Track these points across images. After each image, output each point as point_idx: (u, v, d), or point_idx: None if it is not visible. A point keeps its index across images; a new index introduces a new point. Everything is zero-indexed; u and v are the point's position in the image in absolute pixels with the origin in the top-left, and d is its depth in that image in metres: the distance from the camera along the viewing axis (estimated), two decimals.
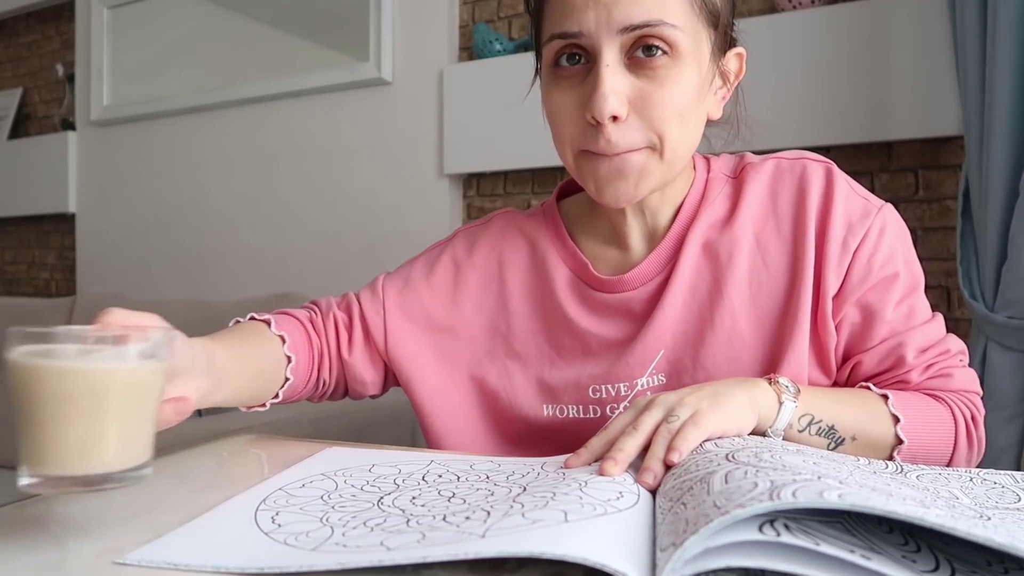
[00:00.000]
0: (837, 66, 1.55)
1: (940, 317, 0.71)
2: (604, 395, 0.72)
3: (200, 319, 2.06)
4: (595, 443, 0.55)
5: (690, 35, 0.61)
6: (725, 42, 0.67)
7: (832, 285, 0.67)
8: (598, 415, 0.73)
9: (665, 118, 0.62)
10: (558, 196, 0.81)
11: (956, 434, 0.67)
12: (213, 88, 2.42)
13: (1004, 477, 0.53)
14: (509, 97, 1.91)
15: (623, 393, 0.72)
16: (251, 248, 2.38)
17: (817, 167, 0.69)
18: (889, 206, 0.69)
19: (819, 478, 0.40)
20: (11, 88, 3.05)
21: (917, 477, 0.53)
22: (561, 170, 1.93)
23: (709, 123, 0.69)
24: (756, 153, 0.76)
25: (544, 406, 0.74)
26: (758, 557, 0.34)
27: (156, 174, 2.58)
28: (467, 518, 0.43)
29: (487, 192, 2.05)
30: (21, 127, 3.00)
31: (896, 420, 0.63)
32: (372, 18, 2.10)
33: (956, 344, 0.70)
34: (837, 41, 1.55)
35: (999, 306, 1.28)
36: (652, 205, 0.71)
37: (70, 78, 2.80)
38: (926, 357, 0.68)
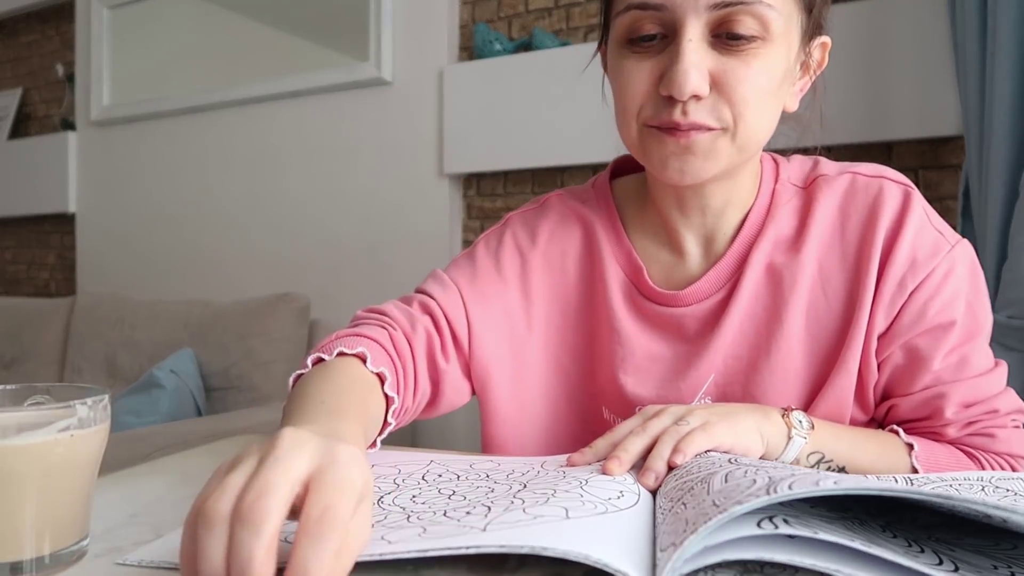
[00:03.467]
0: (837, 66, 1.55)
1: (1002, 370, 0.63)
2: None
3: (200, 319, 2.06)
4: (600, 443, 0.55)
5: (784, 16, 0.56)
6: (814, 28, 0.62)
7: (880, 323, 0.61)
8: None
9: (747, 99, 0.56)
10: (611, 174, 0.75)
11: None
12: (213, 88, 2.42)
13: (1018, 483, 0.52)
14: (509, 97, 1.92)
15: None
16: (251, 248, 2.38)
17: (895, 189, 0.63)
18: (965, 244, 0.62)
19: (818, 482, 0.40)
20: (11, 88, 3.05)
21: (932, 488, 0.53)
22: (561, 170, 1.93)
23: (784, 116, 0.64)
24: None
25: (603, 408, 0.71)
26: (756, 549, 0.34)
27: (156, 174, 2.58)
28: (467, 513, 0.43)
29: (487, 192, 2.05)
30: (21, 127, 3.01)
31: (915, 472, 0.59)
32: (372, 18, 2.10)
33: (1011, 403, 0.63)
34: (837, 41, 1.55)
35: (999, 306, 1.28)
36: (715, 206, 0.66)
37: (70, 78, 2.80)
38: (969, 414, 0.61)
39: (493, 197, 2.04)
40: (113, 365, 2.16)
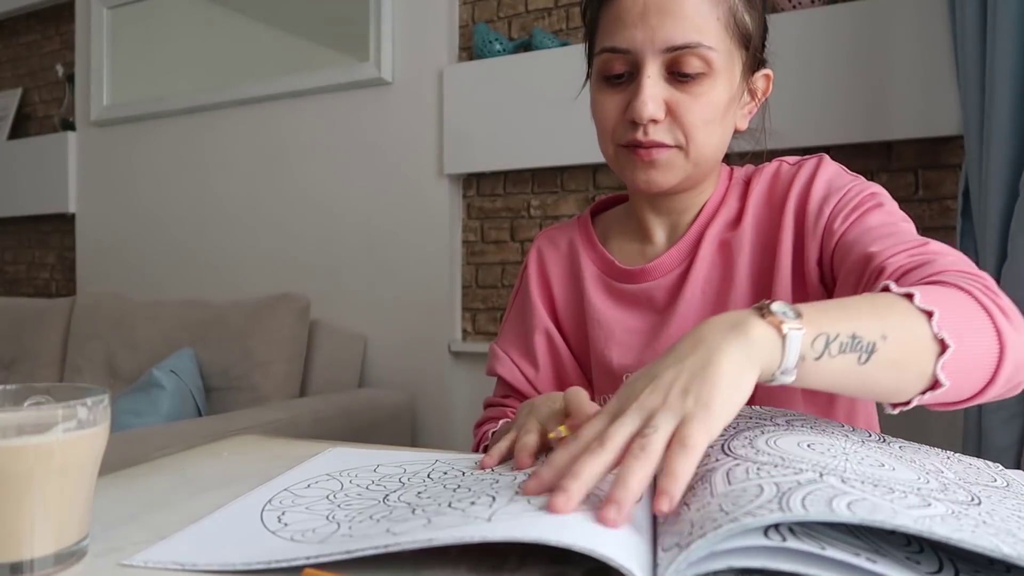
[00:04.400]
0: (837, 66, 1.55)
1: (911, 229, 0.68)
2: None
3: (200, 319, 2.06)
4: (559, 458, 0.44)
5: (723, 55, 0.71)
6: (755, 63, 0.76)
7: (812, 251, 0.72)
8: None
9: (695, 124, 0.71)
10: (592, 213, 0.92)
11: (987, 311, 0.54)
12: (213, 88, 2.42)
13: (977, 460, 0.54)
14: (509, 97, 1.92)
15: None
16: (251, 248, 2.38)
17: (811, 158, 0.78)
18: (878, 186, 0.74)
19: (821, 475, 0.40)
20: (11, 88, 3.05)
21: (900, 447, 0.54)
22: (561, 170, 1.93)
23: (737, 133, 0.78)
24: (756, 153, 0.83)
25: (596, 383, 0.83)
26: (761, 558, 0.34)
27: (156, 174, 2.58)
28: (472, 503, 0.43)
29: (487, 192, 2.05)
30: (21, 127, 3.00)
31: (910, 296, 0.52)
32: (372, 18, 2.10)
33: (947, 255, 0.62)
34: (837, 41, 1.55)
35: None
36: (679, 207, 0.81)
37: (70, 78, 2.80)
38: (902, 246, 0.63)
39: (493, 197, 2.04)
40: (113, 365, 2.16)
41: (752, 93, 0.78)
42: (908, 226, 0.69)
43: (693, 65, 0.69)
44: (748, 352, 0.46)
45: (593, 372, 0.84)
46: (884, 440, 0.55)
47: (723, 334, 0.47)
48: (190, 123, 2.50)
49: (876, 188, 0.73)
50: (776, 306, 0.49)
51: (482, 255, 2.06)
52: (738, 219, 0.79)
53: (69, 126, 2.78)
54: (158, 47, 2.57)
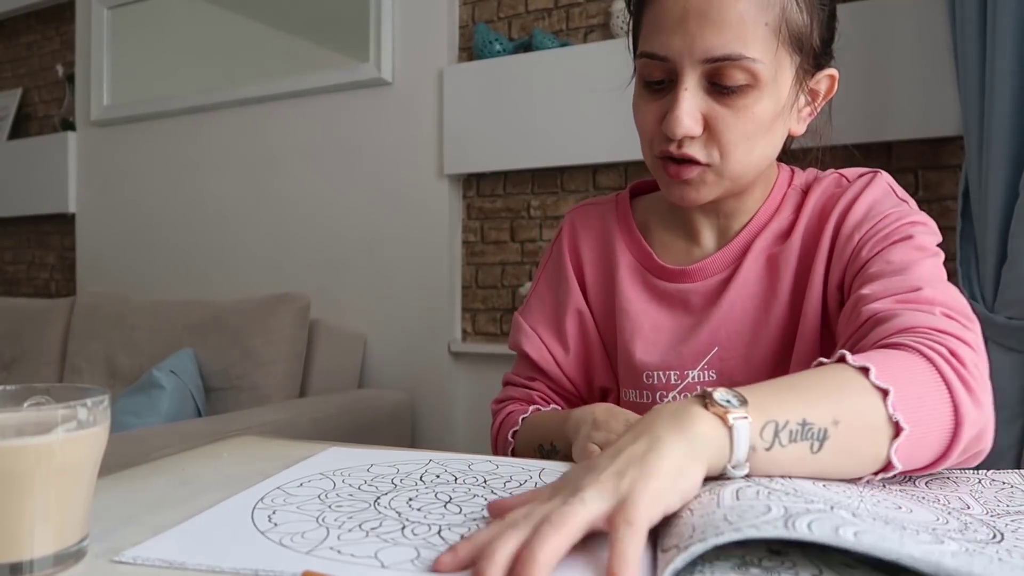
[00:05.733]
0: (837, 66, 1.55)
1: (934, 260, 0.66)
2: (656, 381, 0.77)
3: (200, 319, 2.06)
4: (478, 538, 0.39)
5: (770, 65, 0.65)
6: (814, 63, 0.72)
7: (835, 274, 0.70)
8: (650, 401, 0.77)
9: (733, 141, 0.66)
10: (632, 192, 0.87)
11: (946, 383, 0.51)
12: (213, 88, 2.42)
13: (1012, 476, 0.53)
14: (509, 97, 1.92)
15: (674, 382, 0.76)
16: (251, 248, 2.38)
17: (867, 173, 0.74)
18: (924, 216, 0.70)
19: (832, 508, 0.40)
20: (11, 88, 3.05)
21: (926, 484, 0.53)
22: (561, 170, 1.93)
23: (792, 137, 0.74)
24: (806, 149, 0.81)
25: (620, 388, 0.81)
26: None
27: (156, 174, 2.58)
28: (461, 536, 0.42)
29: (487, 192, 2.05)
30: (21, 127, 3.00)
31: (865, 371, 0.49)
32: (372, 18, 2.10)
33: (943, 293, 0.60)
34: (837, 41, 1.55)
35: (999, 306, 1.28)
36: (726, 210, 0.77)
37: (70, 78, 2.80)
38: (893, 289, 0.61)
39: (493, 197, 2.04)
40: (113, 365, 2.16)
41: (813, 94, 0.73)
42: (926, 264, 0.64)
43: (735, 78, 0.64)
44: (692, 447, 0.43)
45: (619, 363, 0.81)
46: (909, 479, 0.54)
47: (666, 427, 0.44)
48: (190, 123, 2.50)
49: (917, 217, 0.69)
50: (719, 395, 0.46)
51: (482, 256, 2.06)
52: (788, 232, 0.75)
53: (69, 126, 2.78)
54: (158, 47, 2.57)
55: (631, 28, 0.74)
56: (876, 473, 0.50)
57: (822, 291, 0.71)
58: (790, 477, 0.47)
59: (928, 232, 0.69)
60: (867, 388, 0.49)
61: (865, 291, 0.63)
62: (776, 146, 0.71)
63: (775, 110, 0.67)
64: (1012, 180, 1.27)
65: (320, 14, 2.24)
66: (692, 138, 0.67)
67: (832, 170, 0.78)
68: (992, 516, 0.45)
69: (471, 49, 2.04)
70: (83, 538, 0.41)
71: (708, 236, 0.78)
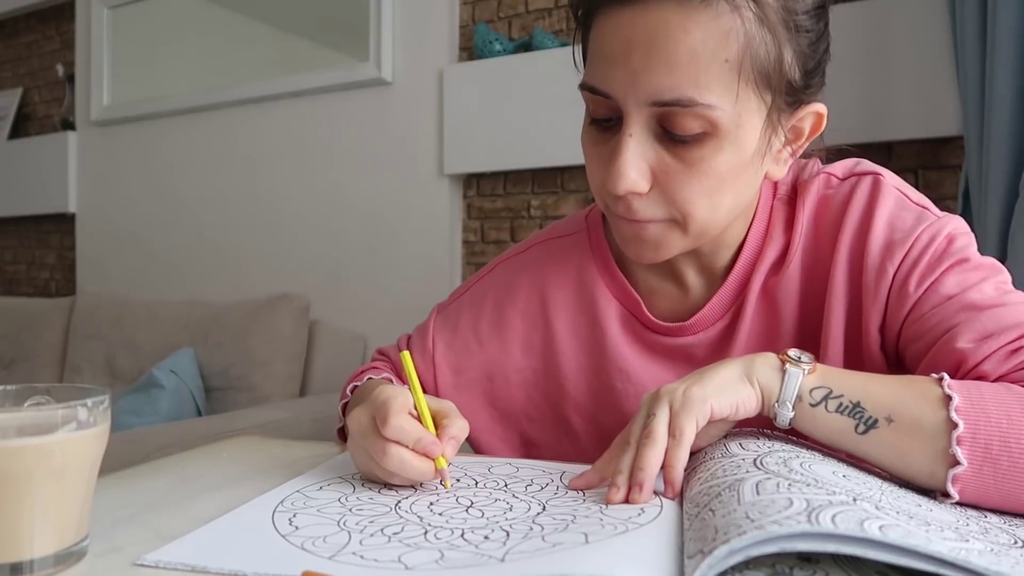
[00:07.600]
0: (837, 66, 1.54)
1: None
2: None
3: (200, 319, 2.06)
4: (600, 463, 0.53)
5: (731, 111, 0.53)
6: (792, 100, 0.57)
7: (874, 316, 0.60)
8: None
9: (691, 199, 0.55)
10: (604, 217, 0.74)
11: None
12: (213, 88, 2.42)
13: None
14: (509, 97, 1.92)
15: None
16: (251, 248, 2.38)
17: (864, 184, 0.62)
18: (954, 219, 0.60)
19: (855, 500, 0.39)
20: (11, 88, 3.05)
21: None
22: (561, 170, 1.92)
23: (770, 179, 0.62)
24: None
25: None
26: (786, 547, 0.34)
27: (156, 174, 2.58)
28: (486, 537, 0.42)
29: (487, 192, 2.05)
30: (21, 127, 3.00)
31: (948, 399, 0.48)
32: (372, 18, 2.09)
33: None
34: (837, 41, 1.55)
35: None
36: (705, 250, 0.65)
37: (70, 78, 2.80)
38: (993, 343, 0.53)
39: (493, 197, 2.04)
40: (113, 365, 2.16)
41: (796, 132, 0.60)
42: (988, 288, 0.56)
43: (688, 127, 0.52)
44: (747, 369, 0.52)
45: (601, 429, 0.70)
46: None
47: (729, 361, 0.53)
48: (190, 123, 2.50)
49: (950, 228, 0.59)
50: (793, 351, 0.53)
51: (482, 255, 2.06)
52: (783, 256, 0.64)
53: (69, 126, 2.78)
54: (158, 47, 2.57)
55: (582, 46, 0.60)
56: (938, 496, 0.48)
57: (843, 332, 0.62)
58: (830, 450, 0.52)
59: (969, 240, 0.60)
60: (941, 413, 0.48)
61: (962, 345, 0.54)
62: (750, 193, 0.60)
63: (740, 160, 0.55)
64: (1012, 180, 1.27)
65: (320, 14, 2.24)
66: (640, 196, 0.56)
67: (818, 168, 0.67)
68: (1011, 525, 0.45)
69: (471, 49, 2.04)
70: (83, 538, 0.41)
71: (695, 280, 0.67)
